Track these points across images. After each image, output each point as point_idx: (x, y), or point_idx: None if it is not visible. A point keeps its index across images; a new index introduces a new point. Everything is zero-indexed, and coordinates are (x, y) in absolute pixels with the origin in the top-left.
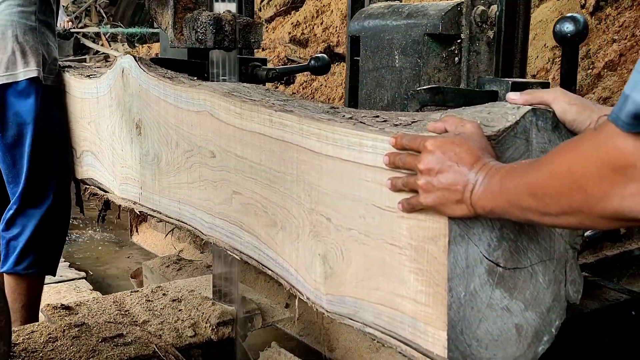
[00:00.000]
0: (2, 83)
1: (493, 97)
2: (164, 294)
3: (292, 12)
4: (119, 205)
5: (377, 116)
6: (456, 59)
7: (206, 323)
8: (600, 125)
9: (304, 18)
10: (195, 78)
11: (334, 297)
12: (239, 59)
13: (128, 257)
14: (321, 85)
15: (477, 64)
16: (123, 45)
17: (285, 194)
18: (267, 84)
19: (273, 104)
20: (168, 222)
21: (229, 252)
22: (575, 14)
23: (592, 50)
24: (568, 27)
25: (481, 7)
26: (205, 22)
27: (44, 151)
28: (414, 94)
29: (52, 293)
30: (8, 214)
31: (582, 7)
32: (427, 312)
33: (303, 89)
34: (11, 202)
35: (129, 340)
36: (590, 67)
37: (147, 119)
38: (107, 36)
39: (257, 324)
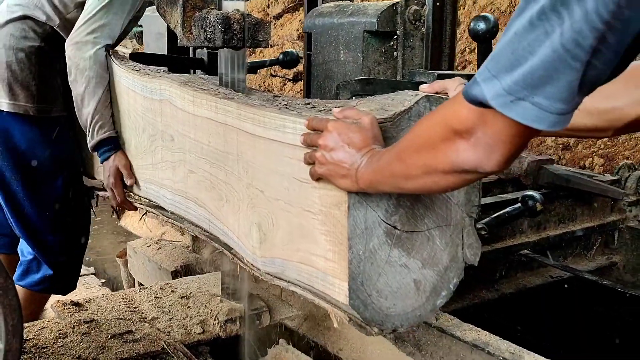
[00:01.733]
0: None
1: None
2: (172, 291)
3: (300, 9)
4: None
5: (309, 103)
6: (395, 53)
7: (214, 320)
8: (454, 96)
9: None
10: (162, 70)
11: (266, 259)
12: (215, 54)
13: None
14: None
15: (411, 58)
16: (132, 41)
17: (229, 171)
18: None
19: (219, 92)
20: (137, 200)
21: (184, 225)
22: (487, 14)
23: None
24: (481, 26)
25: (414, 7)
26: (214, 21)
27: (41, 180)
28: (345, 84)
29: None
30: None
31: None
32: (334, 267)
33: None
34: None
35: (138, 336)
36: None
37: (119, 108)
38: None
39: (265, 321)
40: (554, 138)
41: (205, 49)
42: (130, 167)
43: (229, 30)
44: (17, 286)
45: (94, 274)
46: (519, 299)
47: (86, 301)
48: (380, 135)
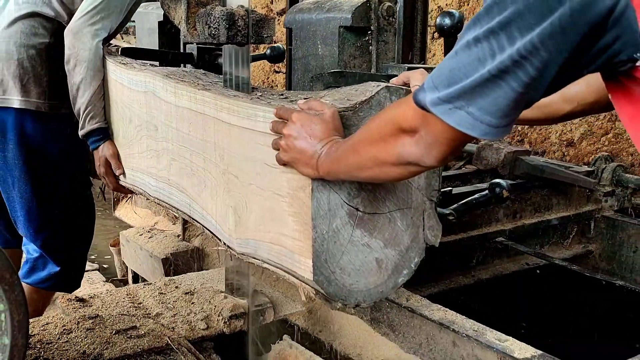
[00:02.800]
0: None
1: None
2: (176, 287)
3: None
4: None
5: (282, 94)
6: (370, 47)
7: (218, 316)
8: (404, 98)
9: None
10: (149, 64)
11: (241, 240)
12: (203, 49)
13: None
14: None
15: (385, 52)
16: (135, 37)
17: (207, 158)
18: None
19: (198, 84)
20: (124, 187)
21: (167, 209)
22: (452, 10)
23: None
24: (446, 21)
25: (387, 3)
26: (218, 18)
27: (49, 177)
28: (319, 76)
29: None
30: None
31: None
32: (300, 246)
33: None
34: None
35: (142, 332)
36: None
37: (109, 99)
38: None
39: (269, 317)
40: (558, 135)
41: (195, 44)
42: (118, 157)
43: (233, 26)
44: (23, 284)
45: (98, 270)
46: (494, 285)
47: (90, 297)
48: (341, 126)
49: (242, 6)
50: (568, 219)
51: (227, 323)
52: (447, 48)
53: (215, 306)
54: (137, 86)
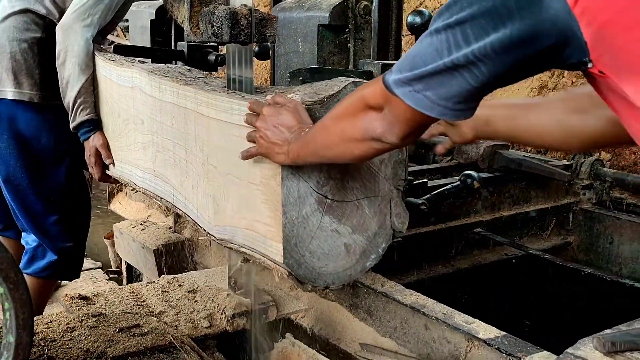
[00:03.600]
0: None
1: (369, 75)
2: (179, 285)
3: None
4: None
5: (258, 89)
6: (348, 45)
7: (221, 314)
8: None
9: None
10: (137, 60)
11: (220, 227)
12: (194, 46)
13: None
14: None
15: (362, 49)
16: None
17: (189, 149)
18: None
19: (180, 79)
20: (110, 177)
21: (152, 198)
22: (422, 9)
23: None
24: (417, 19)
25: (364, 2)
26: (221, 16)
27: (45, 166)
28: (296, 72)
29: (70, 283)
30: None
31: None
32: (272, 231)
33: None
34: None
35: (146, 330)
36: None
37: (98, 95)
38: (122, 28)
39: (272, 315)
40: None
41: (185, 42)
42: (107, 147)
43: (236, 25)
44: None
45: (101, 268)
46: (474, 275)
47: (94, 295)
48: (308, 117)
49: (245, 5)
50: (546, 211)
51: (230, 321)
52: None
53: (218, 304)
54: (125, 82)
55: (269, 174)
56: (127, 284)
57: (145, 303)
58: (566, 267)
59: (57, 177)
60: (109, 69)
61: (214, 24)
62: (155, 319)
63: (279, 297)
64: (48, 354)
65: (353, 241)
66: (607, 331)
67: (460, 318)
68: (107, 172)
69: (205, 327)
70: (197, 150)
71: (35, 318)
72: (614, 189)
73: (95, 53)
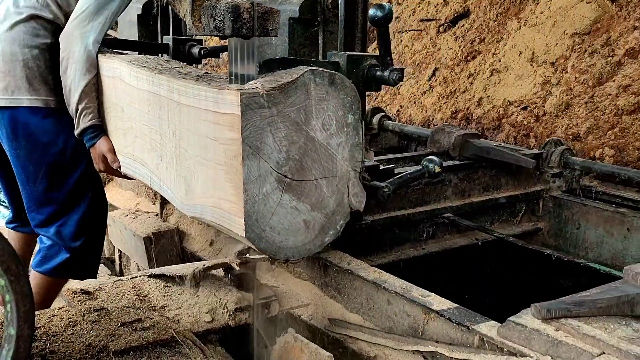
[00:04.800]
0: (8, 106)
1: (336, 66)
2: (181, 279)
3: None
4: None
5: (222, 77)
6: (318, 37)
7: (223, 309)
8: None
9: None
10: (116, 51)
11: (190, 205)
12: (179, 40)
13: None
14: None
15: (331, 41)
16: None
17: (163, 134)
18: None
19: (155, 68)
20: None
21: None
22: (383, 3)
23: (613, 37)
24: (377, 13)
25: None
26: (223, 10)
27: (63, 169)
28: (266, 63)
29: None
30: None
31: None
32: (235, 207)
33: None
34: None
35: (148, 325)
36: (611, 54)
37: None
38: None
39: (274, 310)
40: (564, 129)
41: (170, 36)
42: (113, 151)
43: (238, 19)
44: (35, 272)
45: (103, 263)
46: (444, 258)
47: (96, 289)
48: None
49: None
50: (516, 198)
51: (232, 316)
52: (380, 37)
53: (220, 299)
54: (107, 72)
55: (231, 155)
56: (119, 270)
57: (147, 297)
58: (534, 251)
59: (74, 180)
60: (99, 63)
61: (216, 17)
62: (157, 313)
63: (281, 292)
64: (50, 348)
65: (312, 218)
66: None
67: (417, 292)
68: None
69: (208, 322)
70: (170, 134)
71: (37, 312)
72: (583, 178)
73: (99, 56)
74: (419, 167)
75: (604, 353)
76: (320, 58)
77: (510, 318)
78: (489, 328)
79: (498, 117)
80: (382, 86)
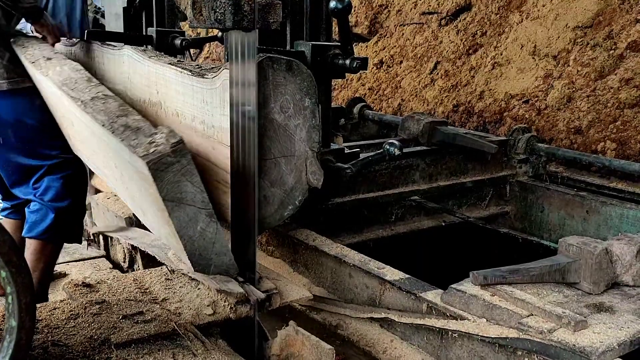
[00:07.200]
0: None
1: (301, 55)
2: (183, 273)
3: None
4: None
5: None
6: (286, 27)
7: (225, 302)
8: None
9: None
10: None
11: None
12: (162, 32)
13: None
14: None
15: (298, 32)
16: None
17: (109, 162)
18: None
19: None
20: None
21: None
22: None
23: (615, 30)
24: (337, 5)
25: None
26: (224, 2)
27: (37, 142)
28: None
29: (74, 271)
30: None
31: None
32: (180, 247)
33: None
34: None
35: (149, 317)
36: (613, 47)
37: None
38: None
39: (275, 303)
40: (565, 122)
41: (154, 28)
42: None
43: (239, 11)
44: (29, 239)
45: (104, 257)
46: (412, 239)
47: (97, 282)
48: None
49: None
50: (483, 182)
51: (234, 309)
52: (340, 27)
53: (222, 292)
54: (50, 88)
55: (160, 207)
56: (103, 250)
57: (148, 290)
58: (493, 231)
59: (54, 151)
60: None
61: (217, 10)
62: (158, 306)
63: (282, 285)
64: (51, 340)
65: (272, 194)
66: None
67: (374, 265)
68: None
69: (209, 315)
70: (113, 166)
71: (38, 305)
72: (550, 164)
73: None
74: (381, 150)
75: (532, 315)
76: (288, 47)
77: (452, 285)
78: (434, 295)
79: (500, 111)
80: (382, 80)
